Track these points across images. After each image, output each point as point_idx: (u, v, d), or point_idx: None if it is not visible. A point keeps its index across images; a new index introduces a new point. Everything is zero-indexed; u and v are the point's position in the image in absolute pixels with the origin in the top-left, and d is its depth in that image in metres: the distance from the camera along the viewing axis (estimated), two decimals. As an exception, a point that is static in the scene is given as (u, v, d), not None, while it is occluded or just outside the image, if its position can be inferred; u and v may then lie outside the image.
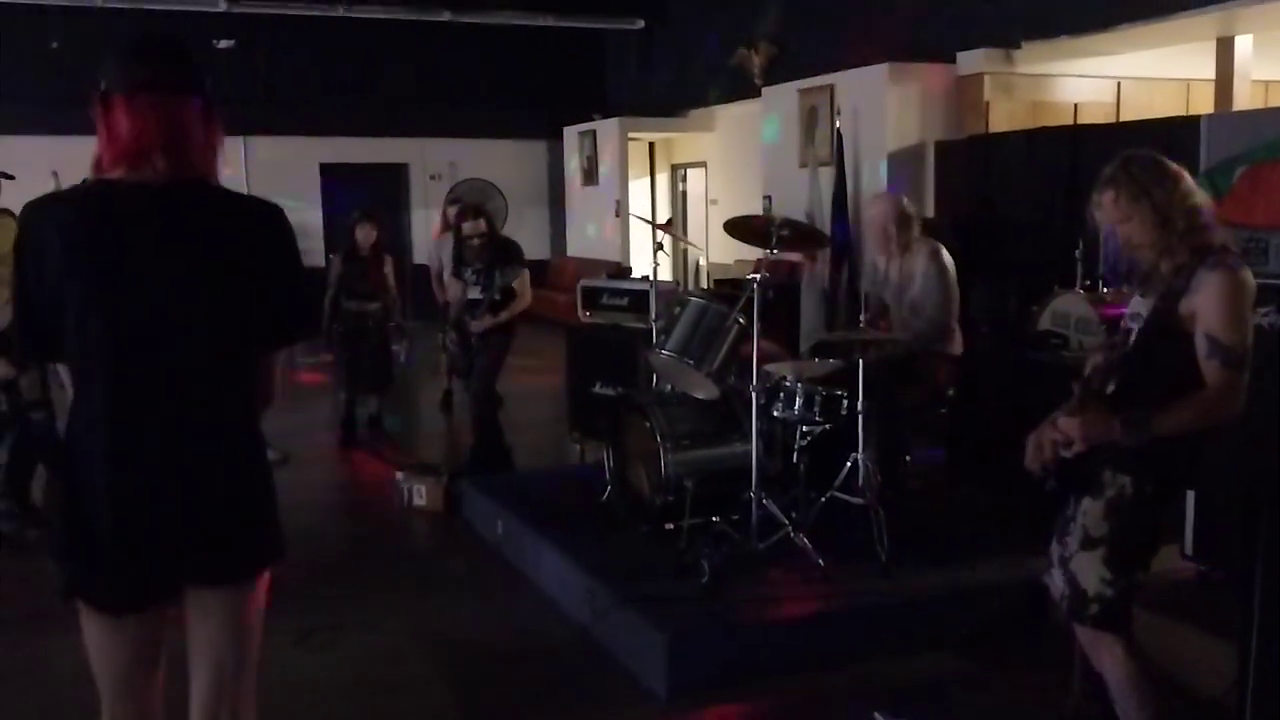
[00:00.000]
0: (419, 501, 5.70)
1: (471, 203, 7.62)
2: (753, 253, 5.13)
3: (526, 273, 6.11)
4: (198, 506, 2.07)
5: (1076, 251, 5.78)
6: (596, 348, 6.47)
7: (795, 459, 4.42)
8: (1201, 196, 2.69)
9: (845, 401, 4.29)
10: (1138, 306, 2.75)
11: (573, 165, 14.06)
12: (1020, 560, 4.07)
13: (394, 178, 14.01)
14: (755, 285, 4.07)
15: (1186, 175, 2.71)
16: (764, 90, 10.07)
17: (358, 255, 7.29)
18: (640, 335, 5.94)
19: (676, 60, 12.75)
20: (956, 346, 4.92)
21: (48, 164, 11.20)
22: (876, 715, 3.28)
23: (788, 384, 4.32)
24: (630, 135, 13.03)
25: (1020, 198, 7.45)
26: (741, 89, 10.99)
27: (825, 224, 8.41)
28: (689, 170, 13.82)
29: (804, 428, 4.36)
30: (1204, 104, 8.19)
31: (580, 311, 6.66)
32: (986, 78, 8.27)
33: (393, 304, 7.45)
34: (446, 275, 6.41)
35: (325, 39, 12.77)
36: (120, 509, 2.04)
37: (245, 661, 2.22)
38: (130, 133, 2.02)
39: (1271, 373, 3.62)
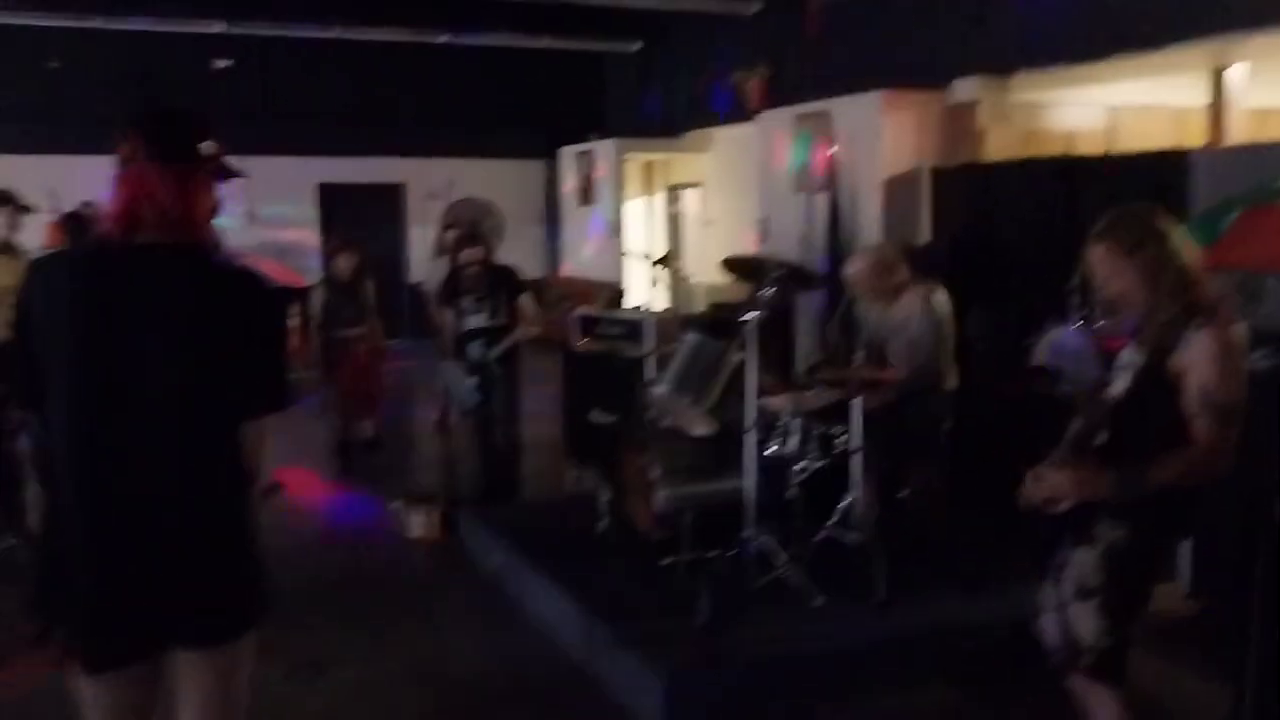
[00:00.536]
0: (416, 531, 5.70)
1: (467, 220, 7.65)
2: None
3: (528, 296, 6.11)
4: (175, 570, 2.09)
5: (1072, 284, 5.80)
6: (593, 374, 6.50)
7: (791, 494, 4.44)
8: (1190, 254, 2.72)
9: (841, 438, 4.31)
10: (1128, 357, 2.78)
11: (569, 185, 14.11)
12: (1017, 595, 4.09)
13: (391, 197, 14.04)
14: (752, 323, 4.09)
15: (1177, 231, 2.74)
16: (760, 114, 10.12)
17: (340, 283, 7.31)
18: (637, 363, 5.97)
19: (673, 82, 12.81)
20: (952, 381, 4.94)
21: (46, 183, 11.26)
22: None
23: (785, 420, 4.35)
24: (626, 156, 13.08)
25: (1015, 227, 7.48)
26: (737, 112, 11.05)
27: (820, 248, 8.47)
28: (685, 191, 13.87)
29: (800, 464, 4.38)
30: (1198, 132, 8.24)
31: (578, 339, 6.68)
32: (981, 105, 8.32)
33: (376, 327, 7.47)
34: (436, 304, 6.40)
35: (323, 59, 12.82)
36: (96, 570, 2.07)
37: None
38: (121, 199, 2.12)
39: (1269, 415, 3.64)
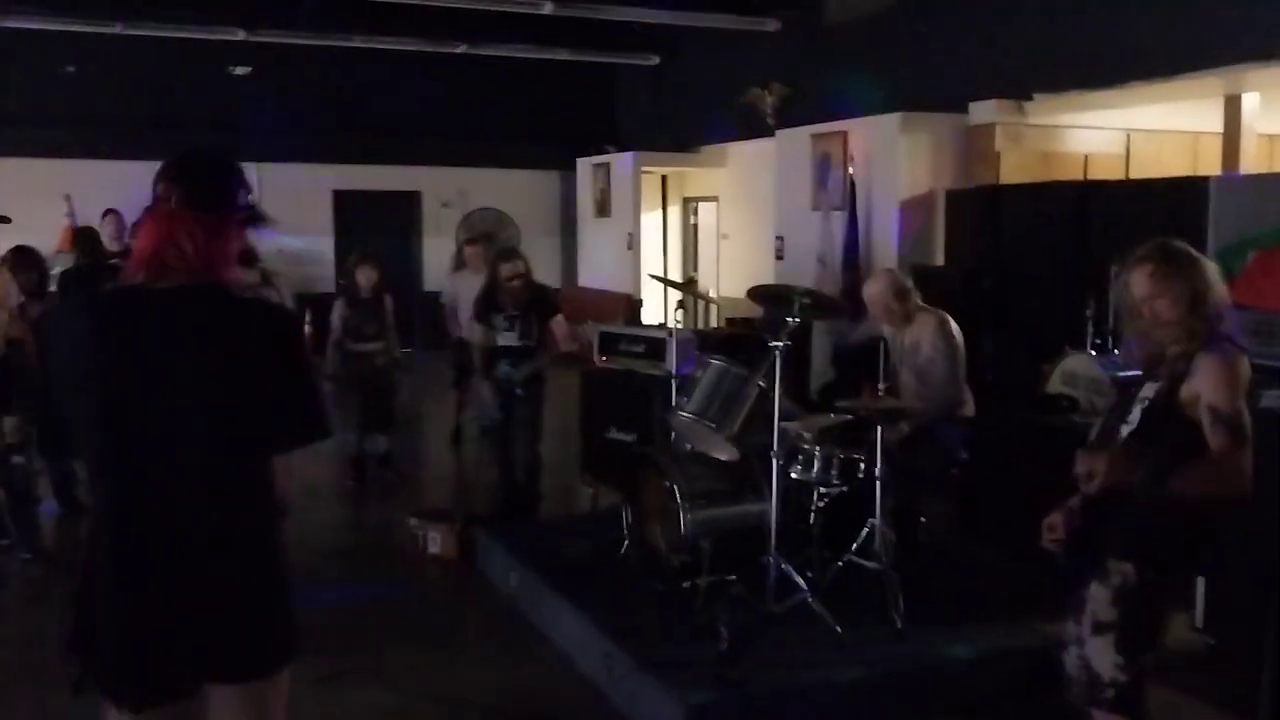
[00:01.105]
0: (433, 549, 5.73)
1: (483, 231, 7.63)
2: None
3: (561, 317, 6.14)
4: (212, 605, 2.12)
5: (1088, 311, 5.82)
6: (612, 391, 6.51)
7: (811, 520, 4.48)
8: (1223, 288, 2.80)
9: (862, 465, 4.35)
10: (1148, 389, 2.83)
11: (586, 197, 14.16)
12: (1033, 625, 4.14)
13: (406, 205, 14.09)
14: (778, 351, 4.13)
15: (1212, 264, 2.83)
16: (777, 132, 10.17)
17: (360, 297, 7.32)
18: (656, 382, 5.97)
19: (689, 96, 12.87)
20: (969, 409, 4.98)
21: (62, 187, 11.35)
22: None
23: (806, 446, 4.38)
24: (644, 169, 13.14)
25: (1029, 251, 7.52)
26: (754, 128, 11.09)
27: (836, 267, 8.52)
28: (701, 204, 13.92)
29: (821, 489, 4.42)
30: (1212, 156, 8.29)
31: (596, 356, 6.70)
32: (998, 128, 8.37)
33: (394, 343, 7.50)
34: (465, 317, 6.37)
35: (340, 67, 12.88)
36: (134, 607, 2.10)
37: None
38: (145, 242, 2.16)
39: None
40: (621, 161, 13.25)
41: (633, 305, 12.36)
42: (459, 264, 8.46)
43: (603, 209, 13.69)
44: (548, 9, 10.14)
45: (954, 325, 4.88)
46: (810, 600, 4.14)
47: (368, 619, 4.94)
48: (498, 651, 4.57)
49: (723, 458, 4.58)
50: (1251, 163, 7.77)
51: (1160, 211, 6.25)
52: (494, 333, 6.01)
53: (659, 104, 13.58)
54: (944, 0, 8.91)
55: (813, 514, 4.48)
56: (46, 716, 3.82)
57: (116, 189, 9.20)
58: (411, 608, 5.17)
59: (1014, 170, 8.37)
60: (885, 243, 8.54)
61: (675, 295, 6.25)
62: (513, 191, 14.35)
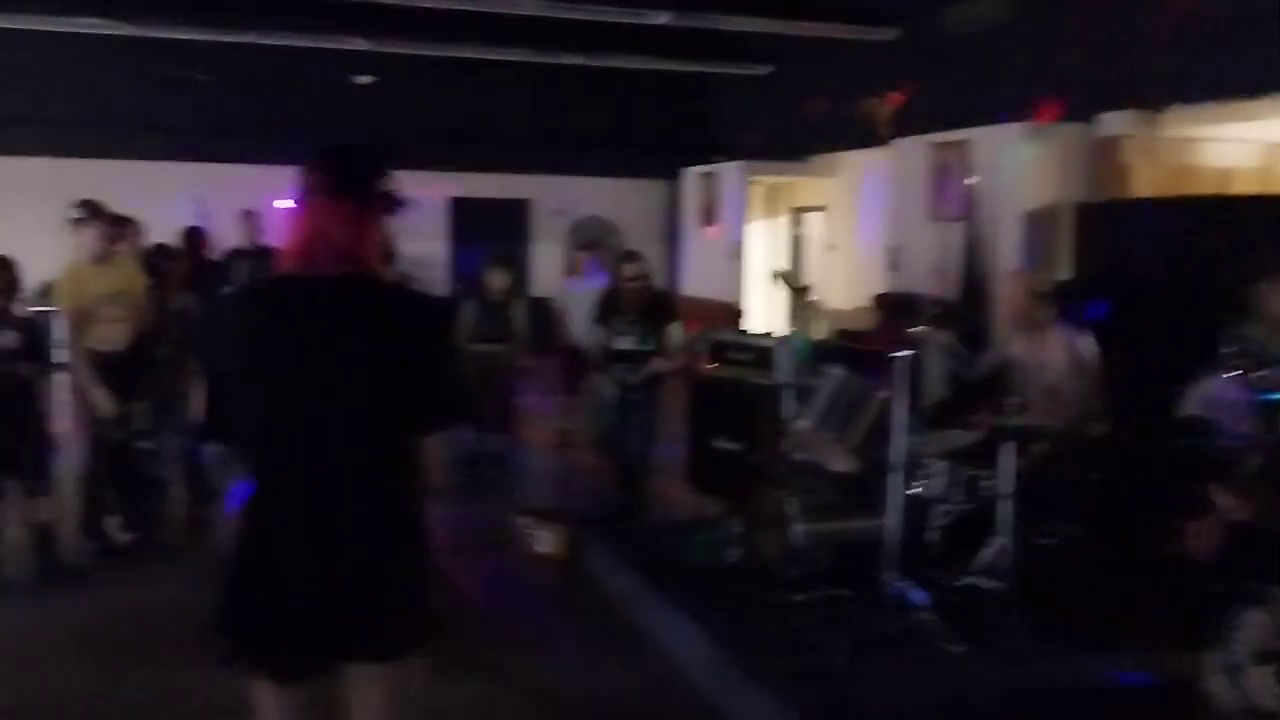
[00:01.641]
0: (541, 548, 5.75)
1: (589, 238, 7.66)
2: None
3: (680, 325, 6.14)
4: (361, 585, 2.16)
5: (1228, 330, 5.54)
6: (718, 399, 6.45)
7: (931, 537, 4.35)
8: None
9: (989, 482, 4.20)
10: None
11: (691, 206, 14.15)
12: (1164, 650, 3.93)
13: (517, 213, 14.30)
14: (904, 361, 4.03)
15: None
16: (894, 142, 9.99)
17: (490, 300, 7.42)
18: (765, 389, 5.89)
19: (799, 106, 12.74)
20: (1101, 429, 4.78)
21: (193, 189, 11.80)
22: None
23: (930, 461, 4.26)
24: (751, 179, 13.06)
25: (1162, 267, 7.21)
26: (866, 138, 10.92)
27: (953, 280, 8.30)
28: (808, 214, 13.77)
29: (944, 506, 4.28)
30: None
31: (707, 363, 6.65)
32: (1128, 140, 8.05)
33: (520, 347, 7.57)
34: (587, 322, 6.43)
35: (458, 78, 13.12)
36: (288, 584, 2.14)
37: None
38: (300, 235, 2.22)
39: None
40: (728, 171, 13.20)
41: (735, 314, 12.28)
42: (571, 269, 8.53)
43: (708, 218, 13.65)
44: (663, 19, 10.15)
45: (1088, 341, 4.70)
46: (929, 619, 4.02)
47: (474, 615, 4.96)
48: (603, 653, 4.56)
49: (841, 469, 4.48)
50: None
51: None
52: (614, 336, 6.04)
53: (769, 114, 13.48)
54: (1069, 10, 8.64)
55: (936, 531, 4.35)
56: (165, 692, 3.93)
57: (244, 192, 9.55)
58: (516, 604, 5.18)
59: (1145, 184, 8.03)
60: (1007, 255, 8.30)
61: (785, 304, 6.19)
62: (619, 200, 14.44)
